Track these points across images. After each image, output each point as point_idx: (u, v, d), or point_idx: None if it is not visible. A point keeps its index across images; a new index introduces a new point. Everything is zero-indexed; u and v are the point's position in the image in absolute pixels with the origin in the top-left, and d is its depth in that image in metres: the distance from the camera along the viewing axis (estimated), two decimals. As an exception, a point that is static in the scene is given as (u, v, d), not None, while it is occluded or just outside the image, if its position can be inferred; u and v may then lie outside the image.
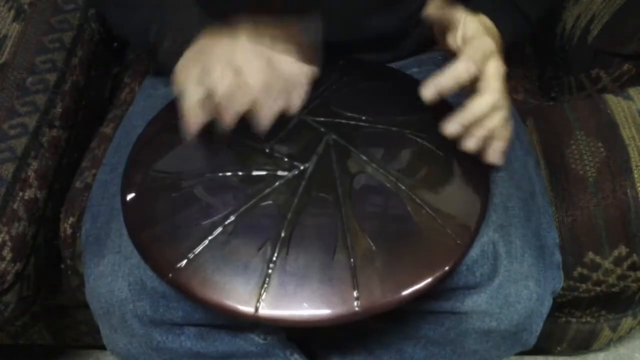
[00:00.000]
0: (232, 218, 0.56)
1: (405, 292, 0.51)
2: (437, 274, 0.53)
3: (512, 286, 0.60)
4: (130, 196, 0.59)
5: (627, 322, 0.92)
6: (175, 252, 0.52)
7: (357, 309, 0.51)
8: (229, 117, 0.55)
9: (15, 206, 0.71)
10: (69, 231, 0.76)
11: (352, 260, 0.53)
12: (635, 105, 0.76)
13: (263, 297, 0.51)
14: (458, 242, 0.55)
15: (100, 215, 0.65)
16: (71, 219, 0.76)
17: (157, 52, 0.63)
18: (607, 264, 0.73)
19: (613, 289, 0.78)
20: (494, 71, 0.57)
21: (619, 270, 0.74)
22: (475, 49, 0.57)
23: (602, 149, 0.73)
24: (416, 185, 0.58)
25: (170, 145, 0.63)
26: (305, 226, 0.55)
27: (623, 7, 0.80)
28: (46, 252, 0.76)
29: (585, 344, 0.96)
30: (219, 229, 0.55)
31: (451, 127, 0.56)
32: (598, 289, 0.77)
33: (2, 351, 1.06)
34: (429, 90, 0.56)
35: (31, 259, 0.73)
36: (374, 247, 0.53)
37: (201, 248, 0.54)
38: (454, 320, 0.62)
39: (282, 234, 0.54)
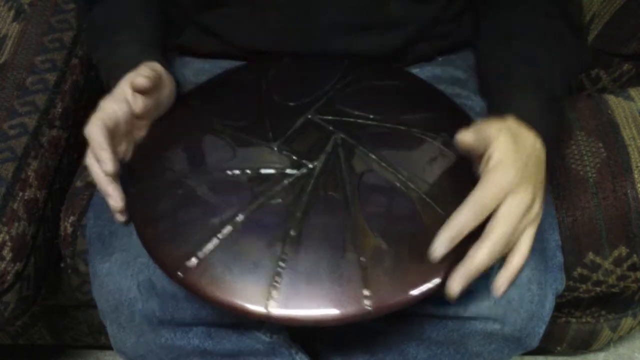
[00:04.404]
0: (241, 216, 0.55)
1: (415, 292, 0.51)
2: (447, 274, 0.52)
3: (515, 290, 0.59)
4: (136, 194, 0.59)
5: (627, 322, 0.92)
6: (184, 250, 0.52)
7: (368, 308, 0.50)
8: None
9: (15, 206, 0.71)
10: (69, 229, 0.76)
11: (361, 259, 0.52)
12: (636, 106, 0.76)
13: (273, 296, 0.51)
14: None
15: (105, 212, 0.65)
16: (72, 218, 0.76)
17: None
18: (607, 264, 0.73)
19: (613, 290, 0.78)
20: (505, 213, 0.52)
21: (619, 271, 0.74)
22: (489, 186, 0.52)
23: (602, 149, 0.73)
24: (425, 184, 0.58)
25: (177, 142, 0.63)
26: (314, 225, 0.55)
27: (623, 7, 0.80)
28: (46, 252, 0.76)
29: (585, 344, 0.96)
30: (228, 228, 0.54)
31: (455, 286, 0.51)
32: (598, 289, 0.77)
33: (2, 351, 1.06)
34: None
35: (31, 259, 0.73)
36: (383, 246, 0.53)
37: (211, 247, 0.53)
38: (458, 322, 0.62)
39: (292, 233, 0.54)
